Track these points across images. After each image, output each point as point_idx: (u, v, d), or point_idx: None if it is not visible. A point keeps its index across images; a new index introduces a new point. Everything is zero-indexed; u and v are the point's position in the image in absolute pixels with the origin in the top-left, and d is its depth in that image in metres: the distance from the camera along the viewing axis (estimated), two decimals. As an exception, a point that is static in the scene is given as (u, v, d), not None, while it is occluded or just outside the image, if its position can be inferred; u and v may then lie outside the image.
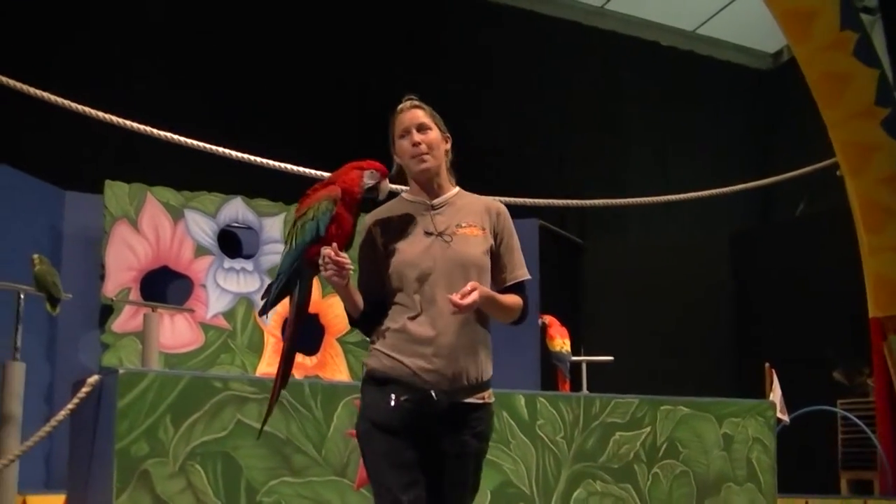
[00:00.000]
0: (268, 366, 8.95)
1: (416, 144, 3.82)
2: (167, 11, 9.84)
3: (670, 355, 10.27)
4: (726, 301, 11.21)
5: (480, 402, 3.73)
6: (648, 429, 6.35)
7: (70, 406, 5.49)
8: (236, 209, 9.25)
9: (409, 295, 3.69)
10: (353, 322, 3.83)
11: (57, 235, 8.47)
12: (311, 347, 9.38)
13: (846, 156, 8.21)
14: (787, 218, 12.46)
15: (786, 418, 7.30)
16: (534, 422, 5.94)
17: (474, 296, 3.53)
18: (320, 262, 3.60)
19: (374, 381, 3.68)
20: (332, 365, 9.36)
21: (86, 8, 9.50)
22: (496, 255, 3.84)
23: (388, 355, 3.66)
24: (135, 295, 8.51)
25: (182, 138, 7.21)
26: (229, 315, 8.96)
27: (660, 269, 10.92)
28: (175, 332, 8.67)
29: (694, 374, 10.12)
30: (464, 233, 3.79)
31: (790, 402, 7.53)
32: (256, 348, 9.01)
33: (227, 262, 9.09)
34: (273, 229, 9.33)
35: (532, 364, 9.27)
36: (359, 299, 3.76)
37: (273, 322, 9.11)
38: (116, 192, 8.65)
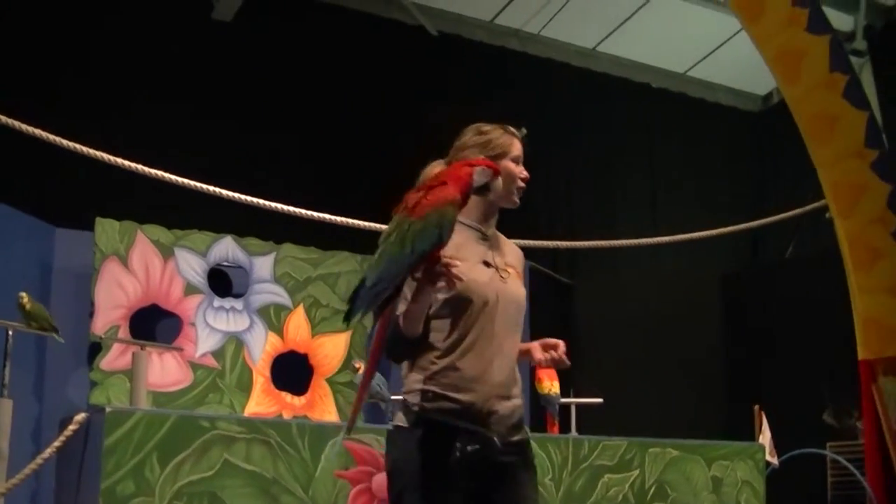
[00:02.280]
0: (256, 405, 8.94)
1: (525, 178, 3.75)
2: (159, 48, 9.86)
3: (660, 397, 10.26)
4: (716, 342, 11.22)
5: (526, 437, 3.65)
6: (637, 471, 6.35)
7: (56, 443, 5.48)
8: (227, 248, 9.25)
9: (464, 325, 3.51)
10: (407, 343, 3.50)
11: (47, 272, 8.46)
12: (300, 387, 9.36)
13: (836, 197, 8.21)
14: (776, 259, 12.49)
15: (775, 461, 7.29)
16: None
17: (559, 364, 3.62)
18: (437, 268, 3.29)
19: (428, 427, 3.46)
20: (321, 405, 9.34)
21: (78, 45, 9.52)
22: None
23: (445, 398, 3.46)
24: (124, 333, 8.50)
25: (173, 176, 7.20)
26: (218, 354, 8.95)
27: (650, 311, 10.93)
28: (164, 370, 8.66)
29: (683, 416, 10.11)
30: (510, 272, 3.71)
31: (779, 444, 7.53)
32: (245, 388, 8.99)
33: (217, 301, 9.08)
34: (263, 269, 9.33)
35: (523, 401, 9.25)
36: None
37: (262, 362, 9.09)
38: (107, 229, 8.66)
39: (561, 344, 3.67)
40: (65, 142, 6.85)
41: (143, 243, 8.82)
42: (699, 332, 11.18)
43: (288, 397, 9.27)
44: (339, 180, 10.31)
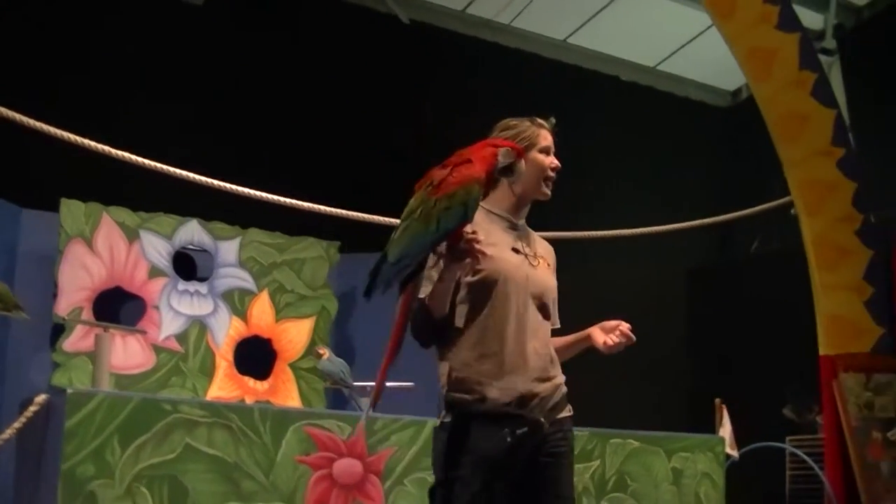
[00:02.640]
0: (218, 389, 8.92)
1: (555, 168, 3.77)
2: (128, 30, 9.80)
3: (622, 389, 10.29)
4: (681, 336, 11.26)
5: (568, 415, 3.67)
6: (598, 462, 6.37)
7: (16, 425, 5.45)
8: (192, 231, 9.22)
9: (499, 310, 3.51)
10: (432, 320, 3.51)
11: (11, 253, 8.40)
12: (263, 372, 9.34)
13: (802, 194, 8.27)
14: (742, 255, 12.54)
15: (735, 454, 7.33)
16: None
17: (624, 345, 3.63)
18: (462, 245, 3.31)
19: (476, 417, 3.46)
20: (284, 390, 9.33)
21: (41, 24, 9.45)
22: None
23: (489, 385, 3.46)
24: (87, 314, 8.46)
25: (140, 159, 7.17)
26: (182, 337, 8.92)
27: (616, 304, 10.84)
28: (127, 353, 8.62)
29: (646, 409, 10.14)
30: (541, 263, 3.73)
31: (740, 437, 7.57)
32: (208, 372, 8.97)
33: (182, 285, 9.06)
34: (229, 253, 9.31)
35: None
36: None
37: (226, 346, 9.07)
38: (72, 210, 8.62)
39: (623, 324, 3.71)
40: (32, 122, 6.81)
41: (109, 225, 8.78)
42: (664, 326, 11.19)
43: (251, 382, 9.25)
44: (306, 166, 10.28)
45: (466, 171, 3.39)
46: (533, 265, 3.67)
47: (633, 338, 3.67)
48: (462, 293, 3.53)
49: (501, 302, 3.52)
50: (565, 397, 3.66)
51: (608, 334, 3.71)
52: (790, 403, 8.94)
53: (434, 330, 3.53)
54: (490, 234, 3.58)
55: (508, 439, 3.40)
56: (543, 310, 3.67)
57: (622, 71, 13.29)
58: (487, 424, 3.43)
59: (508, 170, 3.52)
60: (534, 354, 3.55)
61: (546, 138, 3.79)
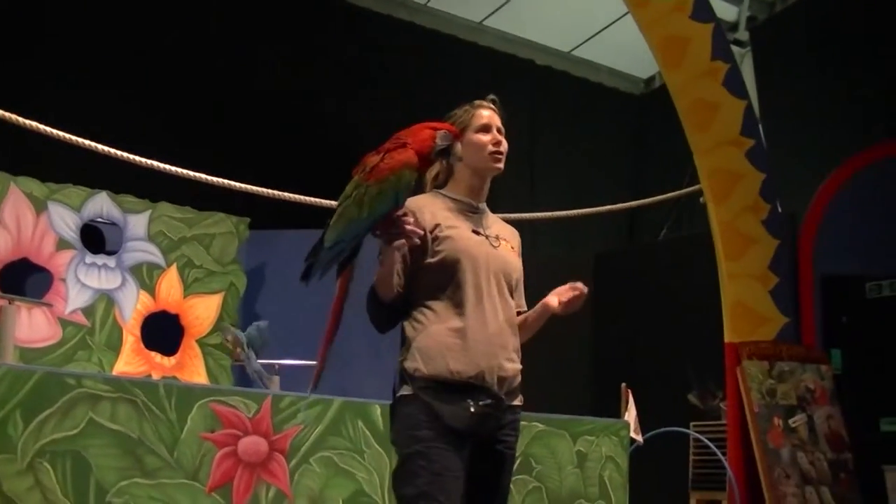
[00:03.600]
0: (125, 365, 8.83)
1: (497, 143, 3.76)
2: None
3: (528, 371, 10.35)
4: (587, 320, 11.33)
5: (520, 403, 3.72)
6: (504, 443, 6.39)
7: (-85, 397, 5.33)
8: (101, 204, 9.11)
9: (462, 288, 3.57)
10: (381, 304, 3.59)
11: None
12: (170, 348, 9.27)
13: (711, 183, 8.35)
14: (649, 241, 12.66)
15: (639, 438, 7.40)
16: (388, 432, 5.94)
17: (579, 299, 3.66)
18: (394, 227, 3.40)
19: (440, 388, 3.49)
20: (191, 366, 9.26)
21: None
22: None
23: (454, 358, 3.49)
24: (-8, 286, 8.33)
25: (48, 129, 7.06)
26: (89, 311, 8.81)
27: (525, 287, 10.98)
28: (32, 326, 8.50)
29: (551, 392, 10.20)
30: (504, 244, 3.78)
31: (645, 422, 7.65)
32: (115, 346, 8.87)
33: (90, 258, 8.94)
34: (138, 226, 9.21)
35: (391, 374, 9.25)
36: (396, 280, 3.57)
37: (133, 321, 8.99)
38: (-22, 179, 8.47)
39: (578, 284, 3.75)
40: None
41: (16, 195, 8.63)
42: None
43: (157, 357, 9.17)
44: (218, 141, 10.19)
45: (398, 157, 3.45)
46: (494, 245, 3.73)
47: (584, 288, 3.73)
48: (425, 274, 3.60)
49: (463, 280, 3.58)
50: (519, 385, 3.72)
51: (562, 296, 3.76)
52: (694, 389, 9.05)
53: (387, 314, 3.62)
54: (449, 218, 3.67)
55: (472, 409, 3.46)
56: (507, 289, 3.72)
57: (537, 55, 13.35)
58: (451, 395, 3.48)
59: (446, 152, 3.60)
60: (497, 332, 3.60)
61: (481, 117, 3.83)
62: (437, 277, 3.59)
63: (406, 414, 3.54)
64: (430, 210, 3.68)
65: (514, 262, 3.82)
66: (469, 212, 3.77)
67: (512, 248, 3.86)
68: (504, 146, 3.81)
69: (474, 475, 3.54)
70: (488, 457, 3.59)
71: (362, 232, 3.43)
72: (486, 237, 3.73)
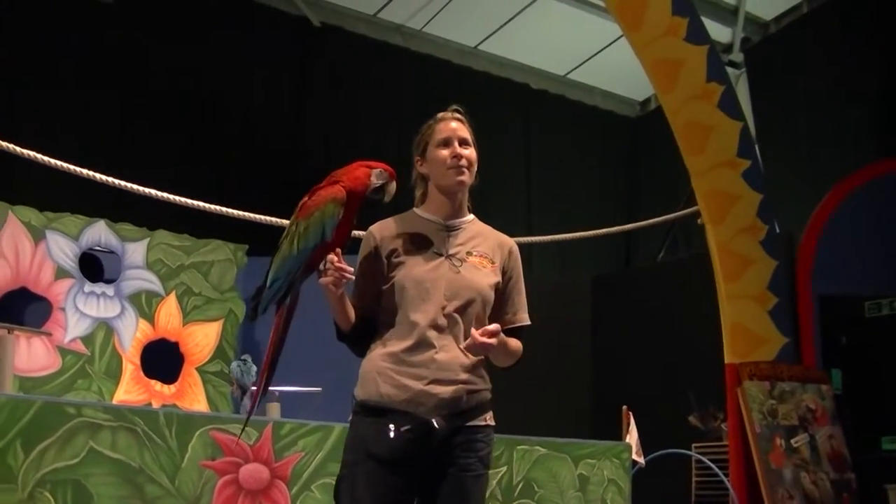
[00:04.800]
0: (125, 393, 8.81)
1: (456, 156, 3.71)
2: (41, 29, 9.68)
3: (529, 395, 10.33)
4: (587, 343, 11.32)
5: (482, 424, 3.63)
6: (505, 468, 6.37)
7: (-84, 428, 5.32)
8: (99, 232, 9.11)
9: (407, 314, 3.55)
10: (342, 336, 3.64)
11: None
12: (170, 376, 9.25)
13: (708, 204, 8.37)
14: (648, 263, 12.65)
15: (641, 460, 7.38)
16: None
17: (496, 339, 3.45)
18: (321, 267, 3.44)
19: (368, 412, 3.51)
20: (191, 394, 9.25)
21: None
22: (501, 293, 3.76)
23: (384, 382, 3.49)
24: (-10, 316, 8.31)
25: (47, 158, 7.06)
26: (88, 340, 8.80)
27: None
28: (31, 355, 8.49)
29: (552, 415, 10.18)
30: (474, 262, 3.69)
31: (646, 444, 7.63)
32: (114, 374, 8.86)
33: (88, 286, 8.94)
34: (136, 254, 9.21)
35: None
36: (351, 312, 3.59)
37: (132, 349, 8.98)
38: (-24, 210, 8.48)
39: (491, 328, 3.50)
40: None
41: (14, 224, 8.64)
42: (570, 333, 11.25)
43: (157, 385, 9.16)
44: (215, 168, 10.21)
45: (324, 193, 3.58)
46: (455, 265, 3.64)
47: (493, 342, 3.48)
48: (383, 298, 3.61)
49: (410, 306, 3.55)
50: (484, 405, 3.64)
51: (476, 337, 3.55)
52: (695, 411, 9.04)
53: (351, 341, 3.65)
54: (408, 242, 3.64)
55: (391, 434, 3.43)
56: (471, 309, 3.61)
57: (532, 79, 13.38)
58: (375, 419, 3.47)
59: (380, 190, 3.67)
60: (440, 356, 3.52)
61: (441, 131, 3.78)
62: (389, 302, 3.60)
63: (349, 433, 3.58)
64: (390, 235, 3.66)
65: (479, 283, 3.66)
66: (440, 230, 3.72)
67: (491, 263, 3.75)
68: (467, 156, 3.75)
69: (430, 498, 3.53)
70: (439, 479, 3.52)
71: (295, 268, 3.56)
72: (450, 257, 3.66)
